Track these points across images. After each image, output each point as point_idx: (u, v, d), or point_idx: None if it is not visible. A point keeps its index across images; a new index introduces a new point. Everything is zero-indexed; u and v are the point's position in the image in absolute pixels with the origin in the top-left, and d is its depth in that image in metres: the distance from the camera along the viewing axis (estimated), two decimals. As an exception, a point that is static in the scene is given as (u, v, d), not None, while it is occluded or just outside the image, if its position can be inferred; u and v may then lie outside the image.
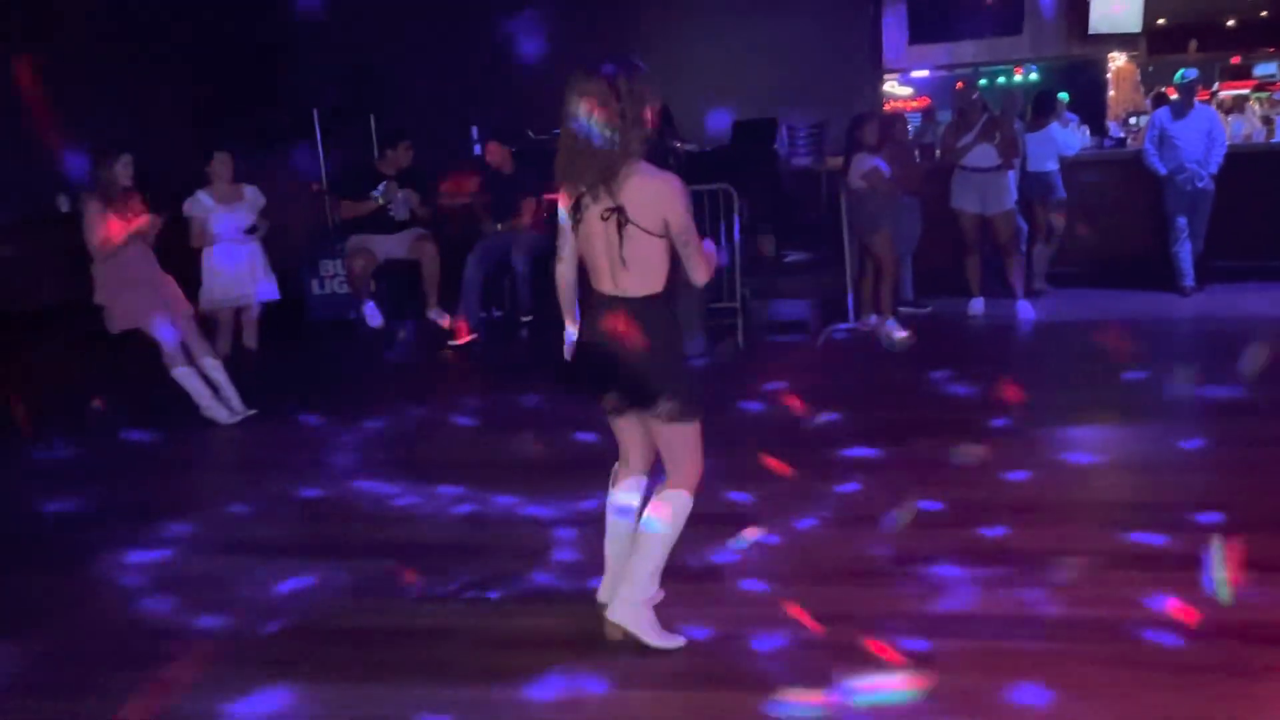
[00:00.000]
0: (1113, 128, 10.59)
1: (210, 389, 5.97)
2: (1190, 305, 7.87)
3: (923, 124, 11.44)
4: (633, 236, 2.73)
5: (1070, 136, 8.75)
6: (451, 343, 7.63)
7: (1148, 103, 12.28)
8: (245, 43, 9.54)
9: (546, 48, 7.77)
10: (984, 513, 3.90)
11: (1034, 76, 11.99)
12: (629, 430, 3.05)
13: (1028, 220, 8.33)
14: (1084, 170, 8.67)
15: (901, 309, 7.66)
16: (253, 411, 6.04)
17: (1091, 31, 11.02)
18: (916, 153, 8.50)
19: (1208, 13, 18.23)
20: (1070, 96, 10.06)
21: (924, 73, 12.38)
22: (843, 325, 7.52)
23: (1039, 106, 8.50)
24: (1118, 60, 12.31)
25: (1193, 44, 18.99)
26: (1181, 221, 8.12)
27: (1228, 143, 8.22)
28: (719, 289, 7.46)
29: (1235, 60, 22.46)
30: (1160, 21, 12.49)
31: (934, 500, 4.07)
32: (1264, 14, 19.41)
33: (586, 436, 5.07)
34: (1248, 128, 9.81)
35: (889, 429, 5.03)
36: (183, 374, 5.89)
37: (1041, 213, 8.37)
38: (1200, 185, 8.04)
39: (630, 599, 2.96)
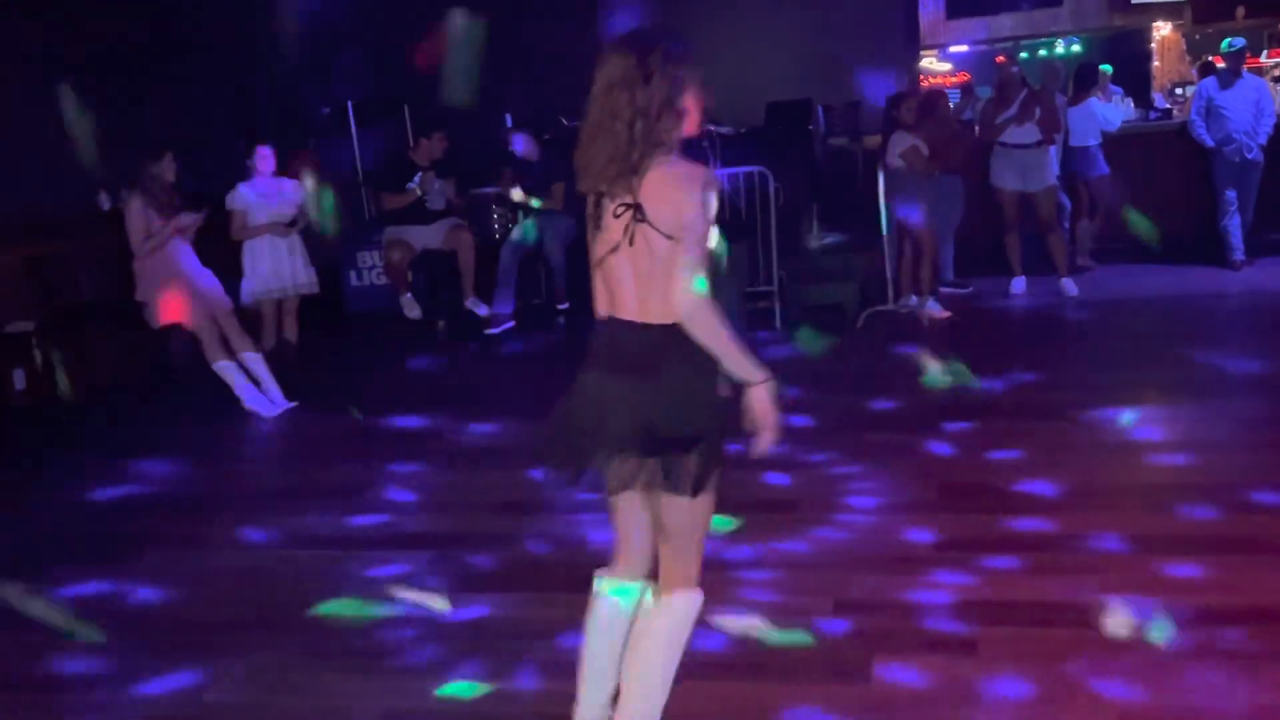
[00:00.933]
0: (1158, 99, 10.36)
1: (253, 382, 6.03)
2: (1241, 279, 7.69)
3: (962, 100, 11.25)
4: (650, 241, 2.14)
5: (1113, 110, 8.57)
6: (489, 330, 7.66)
7: (1194, 73, 12.00)
8: (281, 35, 9.59)
9: (578, 31, 7.72)
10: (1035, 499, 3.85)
11: (1076, 49, 11.76)
12: (633, 511, 2.35)
13: (1070, 196, 8.18)
14: (1129, 143, 8.49)
15: (943, 289, 7.55)
16: (294, 404, 6.09)
17: (1134, 1, 10.78)
18: (957, 129, 8.36)
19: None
20: (1114, 68, 9.84)
21: (963, 48, 12.19)
22: (882, 307, 7.42)
23: (1080, 80, 8.34)
24: (1163, 30, 12.03)
25: (1240, 11, 18.52)
26: (1230, 194, 7.92)
27: (1277, 113, 8.00)
28: (755, 272, 7.42)
29: (1285, 26, 21.83)
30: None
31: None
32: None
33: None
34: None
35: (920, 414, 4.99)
36: (224, 368, 5.96)
37: (1084, 189, 8.22)
38: (1250, 156, 7.84)
39: None
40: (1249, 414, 4.62)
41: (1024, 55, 11.82)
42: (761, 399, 2.16)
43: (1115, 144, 8.29)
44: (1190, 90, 10.78)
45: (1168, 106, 10.03)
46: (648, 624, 2.32)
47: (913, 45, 10.62)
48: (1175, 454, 4.26)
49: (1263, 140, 7.83)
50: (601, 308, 2.31)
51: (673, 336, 2.14)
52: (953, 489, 4.02)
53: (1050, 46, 12.04)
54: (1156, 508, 3.68)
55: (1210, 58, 11.63)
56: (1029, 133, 7.43)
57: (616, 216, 2.18)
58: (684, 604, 2.31)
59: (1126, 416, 4.68)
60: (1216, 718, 2.47)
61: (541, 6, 9.68)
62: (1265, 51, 15.70)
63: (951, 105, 8.47)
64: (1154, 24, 11.69)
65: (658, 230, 2.13)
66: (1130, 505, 3.76)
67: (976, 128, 8.15)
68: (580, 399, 2.27)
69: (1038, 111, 7.41)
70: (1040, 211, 7.56)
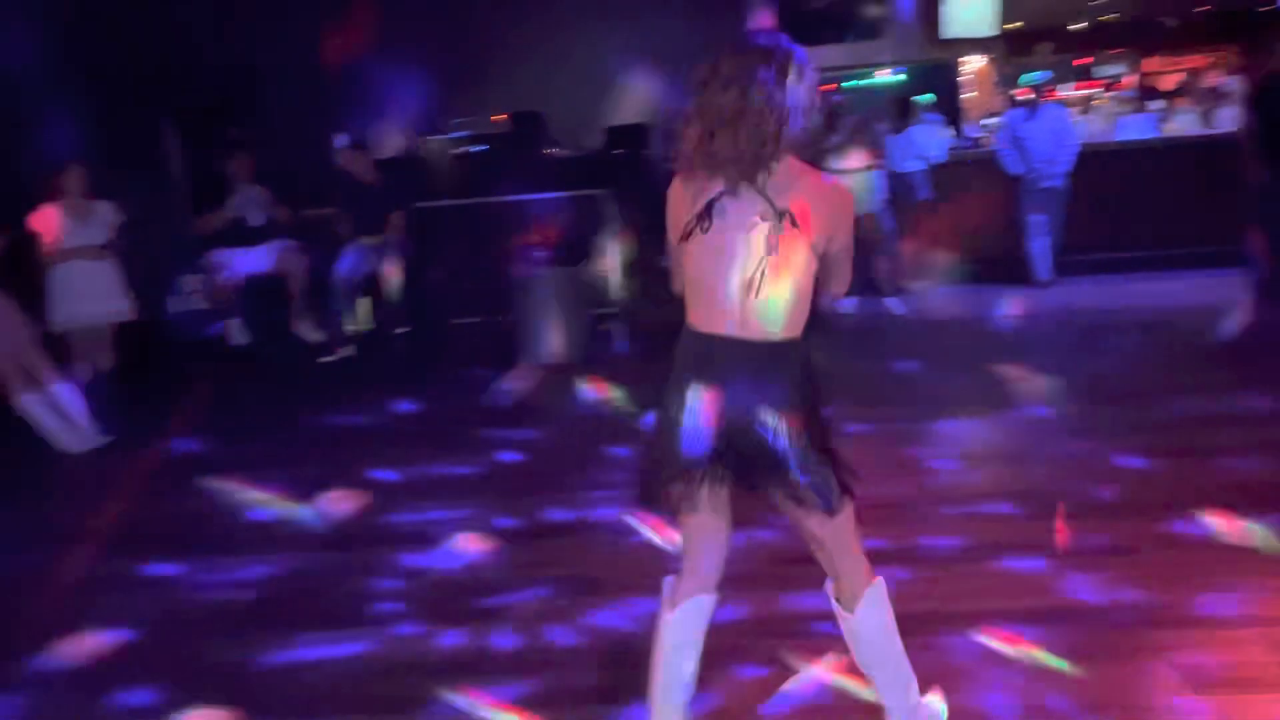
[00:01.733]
0: (971, 128, 10.97)
1: (63, 416, 5.64)
2: (1049, 297, 8.20)
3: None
4: (789, 254, 2.06)
5: (933, 138, 9.03)
6: (323, 358, 7.41)
7: (1006, 103, 12.80)
8: (111, 46, 9.05)
9: (411, 51, 7.62)
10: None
11: (897, 79, 12.35)
12: (708, 530, 2.30)
13: (895, 220, 8.57)
14: (947, 170, 8.96)
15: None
16: (109, 438, 5.72)
17: (945, 36, 11.42)
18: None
19: (1059, 16, 19.15)
20: (933, 98, 10.39)
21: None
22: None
23: (900, 109, 8.76)
24: (976, 62, 12.80)
25: (1045, 46, 19.89)
26: (1037, 218, 8.47)
27: (1079, 142, 8.61)
28: (600, 294, 7.47)
29: (1086, 61, 23.61)
30: (1013, 25, 13.03)
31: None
32: (1114, 16, 20.49)
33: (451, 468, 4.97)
34: (1095, 127, 10.29)
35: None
36: (28, 401, 5.55)
37: (907, 212, 8.62)
38: (1052, 184, 8.40)
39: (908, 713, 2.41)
40: (1049, 424, 4.92)
41: (849, 84, 12.34)
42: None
43: (935, 170, 8.73)
44: (1000, 120, 11.50)
45: (979, 135, 10.62)
46: (860, 628, 2.32)
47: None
48: (983, 463, 4.50)
49: (1064, 168, 8.40)
50: (699, 321, 2.18)
51: (789, 352, 2.14)
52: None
53: (873, 76, 12.62)
54: (971, 517, 3.86)
55: (1015, 91, 12.45)
56: (855, 157, 7.75)
57: (755, 225, 2.07)
58: (878, 594, 2.32)
59: (944, 427, 4.93)
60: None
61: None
62: (1071, 84, 16.91)
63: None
64: (967, 57, 12.41)
65: (803, 242, 2.07)
66: (930, 513, 3.93)
67: (803, 153, 8.44)
68: (682, 420, 2.17)
69: (862, 137, 7.74)
70: (868, 233, 7.88)
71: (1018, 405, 5.21)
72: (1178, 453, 4.36)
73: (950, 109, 11.60)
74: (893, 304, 7.89)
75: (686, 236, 2.13)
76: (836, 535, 2.24)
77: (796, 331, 2.14)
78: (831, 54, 12.00)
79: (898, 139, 8.49)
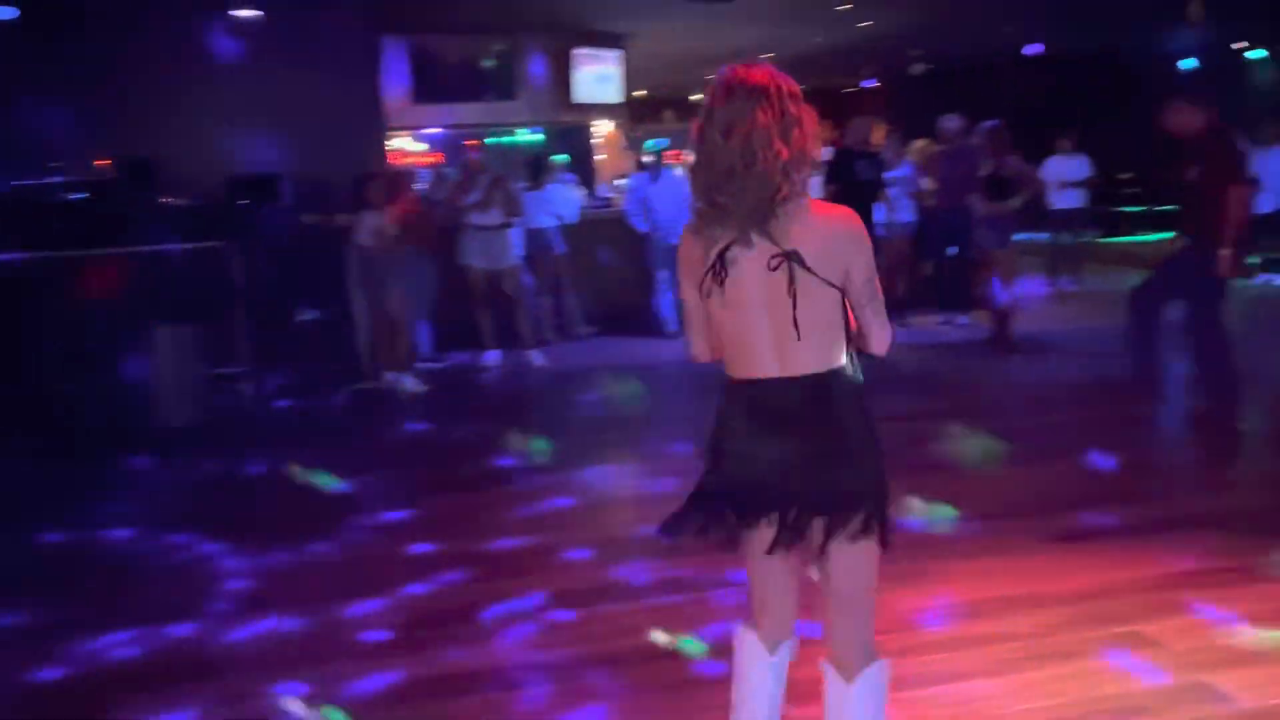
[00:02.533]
0: (602, 189, 11.58)
1: None
2: (675, 348, 8.78)
3: (435, 181, 11.71)
4: (809, 292, 2.00)
5: (567, 196, 9.39)
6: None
7: (633, 167, 13.66)
8: None
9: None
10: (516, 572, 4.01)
11: (536, 138, 12.82)
12: (777, 572, 2.19)
13: (533, 275, 8.81)
14: (582, 228, 9.37)
15: (419, 364, 7.71)
16: None
17: (576, 100, 12.03)
18: (425, 210, 8.62)
19: (679, 87, 20.82)
20: (568, 158, 10.86)
21: (435, 130, 12.74)
22: (360, 385, 7.38)
23: (536, 168, 9.06)
24: (607, 126, 13.56)
25: (667, 113, 21.53)
26: (662, 275, 9.06)
27: (695, 204, 9.32)
28: (223, 352, 7.01)
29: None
30: (638, 93, 13.98)
31: (510, 538, 4.11)
32: (720, 92, 22.53)
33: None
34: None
35: (418, 487, 5.03)
36: None
37: (544, 267, 8.90)
38: (675, 243, 9.00)
39: None
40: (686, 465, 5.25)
41: (490, 140, 12.63)
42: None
43: (571, 228, 9.10)
44: (627, 182, 12.25)
45: (610, 196, 11.23)
46: (849, 711, 2.10)
47: (380, 125, 10.80)
48: (623, 505, 4.71)
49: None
50: (741, 370, 2.09)
51: (833, 382, 2.05)
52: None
53: (512, 134, 13.02)
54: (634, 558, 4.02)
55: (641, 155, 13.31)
56: (493, 215, 7.90)
57: (772, 269, 1.98)
58: (879, 674, 2.12)
59: (586, 474, 5.11)
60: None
61: None
62: (689, 149, 18.18)
63: (427, 185, 8.77)
64: (597, 121, 13.13)
65: (820, 279, 1.99)
66: (566, 564, 4.07)
67: (444, 208, 8.49)
68: (733, 462, 2.10)
69: (500, 194, 7.91)
70: (507, 288, 8.04)
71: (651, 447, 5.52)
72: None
73: (583, 170, 12.18)
74: (534, 356, 8.08)
75: (707, 294, 2.06)
76: (868, 580, 2.12)
77: (838, 360, 2.07)
78: (467, 112, 12.22)
79: (534, 197, 8.77)
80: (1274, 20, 13.52)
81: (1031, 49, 14.35)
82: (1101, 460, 4.87)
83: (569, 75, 11.96)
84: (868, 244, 2.06)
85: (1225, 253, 5.20)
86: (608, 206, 10.56)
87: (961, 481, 4.54)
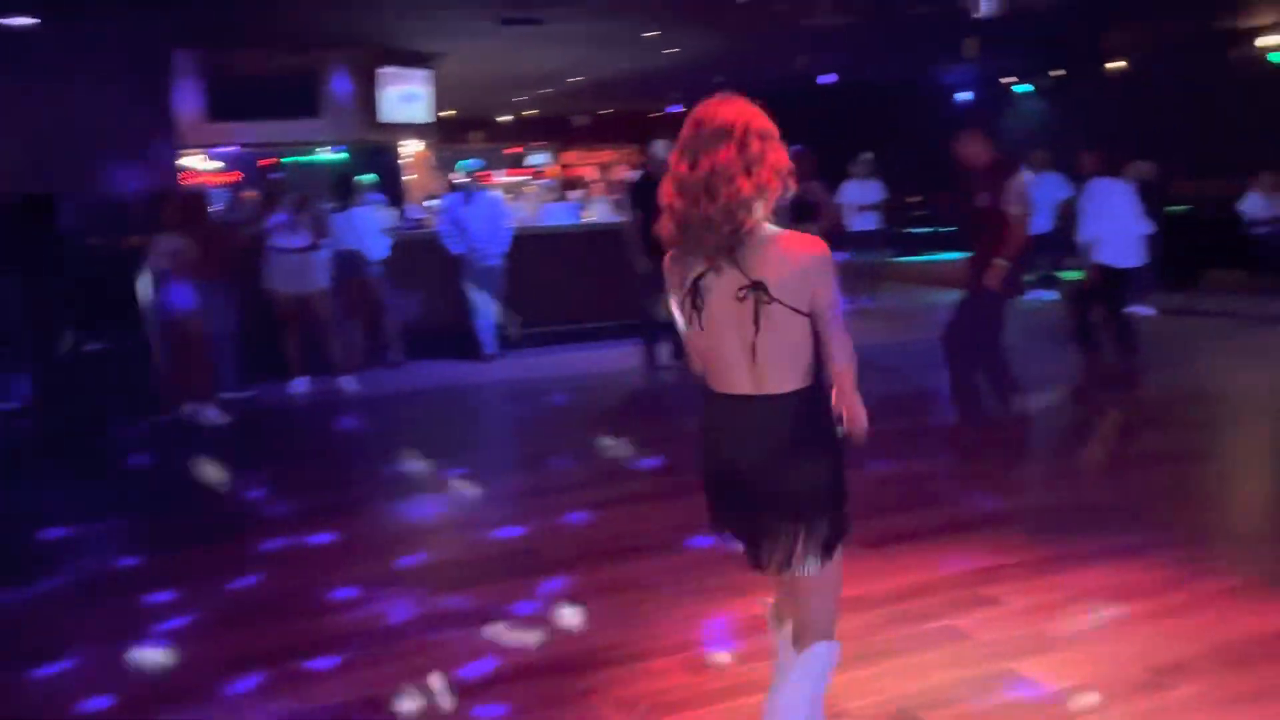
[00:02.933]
0: (413, 209, 11.36)
1: None
2: (495, 370, 8.71)
3: (233, 201, 11.17)
4: (774, 319, 2.11)
5: (375, 218, 9.15)
6: None
7: (443, 187, 13.47)
8: None
9: None
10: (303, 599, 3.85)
11: (340, 157, 12.43)
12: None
13: (344, 298, 8.53)
14: (396, 249, 9.15)
15: (222, 394, 7.32)
16: None
17: (383, 120, 11.76)
18: (224, 232, 8.21)
19: (488, 108, 20.75)
20: (374, 178, 10.56)
21: (231, 148, 12.16)
22: (157, 417, 6.93)
23: (343, 188, 8.80)
24: (415, 146, 13.32)
25: (476, 134, 21.41)
26: (479, 296, 8.97)
27: (513, 224, 9.31)
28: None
29: (515, 150, 25.78)
30: (447, 113, 13.82)
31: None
32: (535, 111, 22.64)
33: None
34: (526, 212, 11.21)
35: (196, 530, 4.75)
36: None
37: (358, 290, 8.64)
38: (491, 263, 8.98)
39: None
40: (523, 486, 5.21)
41: (289, 160, 12.16)
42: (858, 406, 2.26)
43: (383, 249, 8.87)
44: (440, 202, 12.07)
45: (421, 216, 11.02)
46: (790, 678, 2.30)
47: (171, 143, 10.21)
48: (458, 526, 4.63)
49: (501, 249, 9.03)
50: (717, 385, 2.25)
51: (806, 402, 2.19)
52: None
53: (313, 154, 12.58)
54: (427, 589, 3.93)
55: (454, 174, 13.13)
56: (300, 237, 7.61)
57: (740, 300, 2.11)
58: (827, 652, 2.31)
59: (407, 506, 4.99)
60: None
61: None
62: (503, 170, 18.27)
63: (224, 205, 8.36)
64: (405, 140, 12.88)
65: (787, 307, 2.12)
66: (407, 586, 3.97)
67: (246, 230, 8.12)
68: (716, 473, 2.28)
69: (305, 215, 7.63)
70: (316, 313, 7.75)
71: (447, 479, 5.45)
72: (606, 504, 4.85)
73: (392, 190, 11.92)
74: (346, 382, 7.82)
75: (687, 318, 2.20)
76: (826, 579, 2.28)
77: (804, 383, 2.20)
78: (267, 130, 11.73)
79: (341, 218, 8.50)
80: (1037, 57, 14.79)
81: (825, 78, 15.11)
82: (903, 468, 5.17)
83: (375, 93, 11.69)
84: (832, 270, 2.18)
85: (999, 263, 5.58)
86: (420, 227, 10.35)
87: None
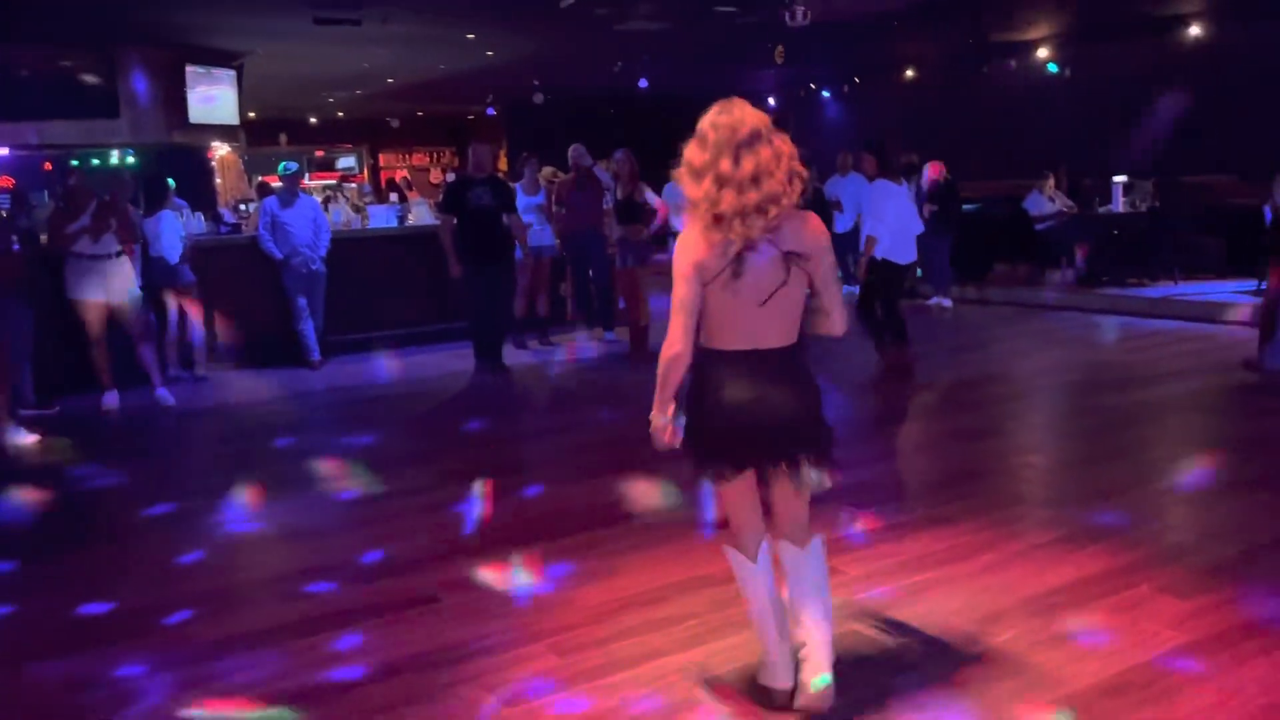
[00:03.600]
0: (227, 214, 10.90)
1: None
2: (320, 377, 8.50)
3: (13, 207, 10.36)
4: (793, 283, 2.61)
5: (186, 222, 8.76)
6: None
7: (253, 190, 12.98)
8: None
9: None
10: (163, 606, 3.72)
11: (132, 160, 11.73)
12: (744, 494, 2.82)
13: (158, 306, 8.14)
14: (211, 255, 8.79)
15: (23, 412, 6.85)
16: None
17: (192, 121, 11.24)
18: (14, 239, 7.61)
19: (295, 110, 20.07)
20: (177, 182, 10.06)
21: (3, 151, 11.35)
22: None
23: (151, 192, 8.39)
24: (222, 149, 12.77)
25: (283, 137, 20.68)
26: (302, 301, 8.73)
27: (330, 229, 9.10)
28: None
29: (320, 153, 25.10)
30: (252, 115, 13.30)
31: (106, 601, 3.75)
32: (340, 115, 22.05)
33: None
34: (345, 216, 10.96)
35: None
36: None
37: (173, 298, 8.26)
38: (314, 268, 8.76)
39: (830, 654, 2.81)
40: (350, 494, 5.14)
41: (76, 163, 11.41)
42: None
43: (199, 255, 8.50)
44: (253, 207, 11.63)
45: (235, 221, 10.59)
46: (808, 569, 2.82)
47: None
48: (291, 539, 4.54)
49: (323, 253, 8.82)
50: (725, 343, 2.65)
51: (801, 352, 2.69)
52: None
53: (106, 156, 11.85)
54: (287, 594, 3.86)
55: (263, 178, 12.68)
56: (106, 243, 7.20)
57: (776, 269, 2.58)
58: (820, 543, 2.86)
59: (241, 510, 4.85)
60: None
61: None
62: (308, 174, 17.69)
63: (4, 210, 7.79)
64: (212, 142, 12.33)
65: (804, 272, 2.62)
66: (262, 596, 3.89)
67: (44, 238, 7.60)
68: (739, 417, 2.63)
69: (113, 221, 7.22)
70: (128, 323, 7.36)
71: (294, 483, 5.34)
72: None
73: (201, 194, 11.41)
74: (163, 394, 7.46)
75: (721, 286, 2.57)
76: (808, 490, 2.76)
77: (797, 338, 2.68)
78: (58, 130, 11.01)
79: (150, 223, 8.10)
80: (839, 65, 15.62)
81: (644, 82, 15.44)
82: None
83: (179, 93, 11.14)
84: (829, 240, 2.68)
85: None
86: (236, 232, 9.95)
87: (617, 483, 4.81)
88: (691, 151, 2.58)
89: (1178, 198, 11.13)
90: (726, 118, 2.56)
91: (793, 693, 2.81)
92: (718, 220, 2.54)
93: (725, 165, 2.51)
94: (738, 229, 2.52)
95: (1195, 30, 11.82)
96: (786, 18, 9.02)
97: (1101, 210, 11.57)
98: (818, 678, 2.76)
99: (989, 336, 9.24)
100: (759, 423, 2.64)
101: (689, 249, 2.60)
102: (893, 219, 7.41)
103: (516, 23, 11.15)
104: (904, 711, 2.83)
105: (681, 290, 2.60)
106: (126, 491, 5.40)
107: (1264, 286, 7.64)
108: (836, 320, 2.71)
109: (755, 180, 2.50)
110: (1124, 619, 3.34)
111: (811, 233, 2.63)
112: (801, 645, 2.81)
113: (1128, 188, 11.47)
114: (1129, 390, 6.76)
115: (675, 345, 2.62)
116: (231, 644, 3.46)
